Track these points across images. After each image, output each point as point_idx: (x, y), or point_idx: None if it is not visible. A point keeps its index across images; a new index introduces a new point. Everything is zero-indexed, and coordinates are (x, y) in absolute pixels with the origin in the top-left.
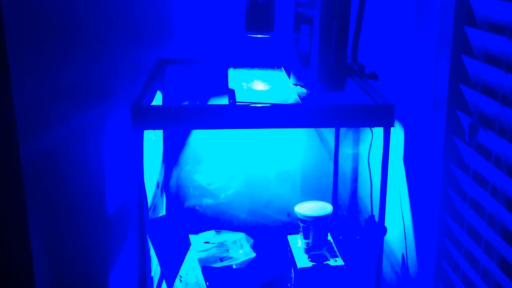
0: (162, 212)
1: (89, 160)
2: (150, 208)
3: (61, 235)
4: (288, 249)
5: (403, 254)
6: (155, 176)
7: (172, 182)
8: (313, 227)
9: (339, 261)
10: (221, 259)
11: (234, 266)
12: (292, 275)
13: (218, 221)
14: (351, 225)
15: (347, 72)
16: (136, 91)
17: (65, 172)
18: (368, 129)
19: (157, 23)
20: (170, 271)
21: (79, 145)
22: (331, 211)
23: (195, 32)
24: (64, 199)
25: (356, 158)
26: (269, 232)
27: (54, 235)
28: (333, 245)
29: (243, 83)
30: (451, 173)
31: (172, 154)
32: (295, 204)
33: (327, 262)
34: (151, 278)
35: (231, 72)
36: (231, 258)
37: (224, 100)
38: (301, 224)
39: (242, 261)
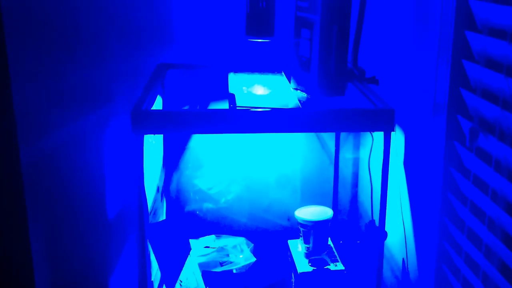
0: (162, 216)
1: (89, 164)
2: (150, 212)
3: (61, 239)
4: (289, 253)
5: (403, 259)
6: (155, 181)
7: (173, 186)
8: (313, 231)
9: (340, 266)
10: (221, 264)
11: (234, 271)
12: (293, 279)
13: (219, 225)
14: (352, 229)
15: (347, 77)
16: (136, 96)
17: (66, 176)
18: (368, 133)
19: (157, 27)
20: (170, 276)
21: (79, 149)
22: (332, 215)
23: (195, 36)
24: (64, 203)
25: (356, 162)
26: (270, 237)
27: (54, 239)
28: (334, 249)
29: (244, 88)
30: (451, 178)
31: (173, 159)
32: (295, 209)
33: (328, 266)
34: (151, 282)
35: (231, 76)
36: (231, 262)
37: (224, 105)
38: (301, 229)
39: (243, 266)
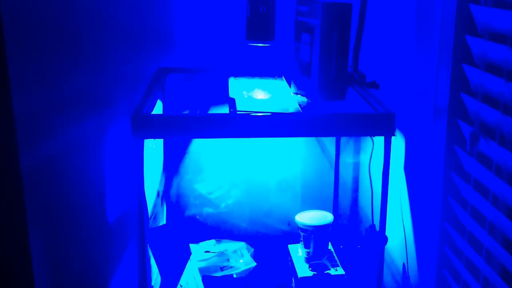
0: (163, 221)
1: (90, 169)
2: (151, 217)
3: (61, 244)
4: (289, 258)
5: (404, 263)
6: (156, 185)
7: (173, 191)
8: (313, 236)
9: (340, 271)
10: (222, 268)
11: (234, 275)
12: (293, 284)
13: (219, 230)
14: (352, 234)
15: (347, 81)
16: (137, 100)
17: (66, 181)
18: (369, 138)
19: (157, 32)
20: (171, 280)
21: (79, 153)
22: (332, 220)
23: (195, 41)
24: (65, 208)
25: (357, 167)
26: (270, 241)
27: (54, 244)
28: (334, 254)
29: (244, 92)
30: (452, 182)
31: (173, 163)
32: (295, 213)
33: (328, 271)
34: (152, 287)
35: (232, 81)
36: (231, 267)
37: (224, 109)
38: (301, 234)
39: (243, 270)
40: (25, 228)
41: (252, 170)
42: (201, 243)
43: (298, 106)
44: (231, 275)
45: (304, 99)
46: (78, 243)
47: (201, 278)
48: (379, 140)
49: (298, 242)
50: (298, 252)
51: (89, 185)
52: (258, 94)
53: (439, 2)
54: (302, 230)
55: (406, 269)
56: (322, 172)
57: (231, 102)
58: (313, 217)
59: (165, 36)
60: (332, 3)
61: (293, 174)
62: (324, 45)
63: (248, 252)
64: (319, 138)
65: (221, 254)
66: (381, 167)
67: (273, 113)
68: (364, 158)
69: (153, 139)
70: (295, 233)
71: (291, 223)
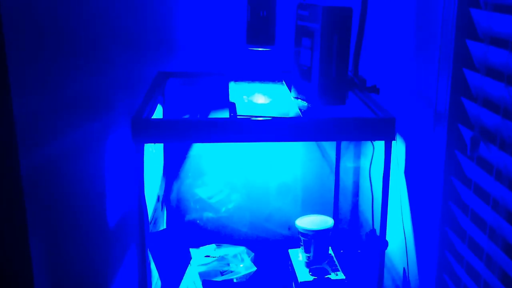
0: (163, 225)
1: (90, 173)
2: (151, 221)
3: (61, 248)
4: (289, 263)
5: (404, 268)
6: (156, 190)
7: (173, 195)
8: (314, 241)
9: (340, 275)
10: (222, 273)
11: (235, 280)
12: None
13: (219, 234)
14: (352, 239)
15: (348, 86)
16: (137, 104)
17: (66, 184)
18: (369, 142)
19: (157, 36)
20: (171, 285)
21: (79, 157)
22: (332, 224)
23: (196, 45)
24: (65, 211)
25: (357, 171)
26: (270, 246)
27: (54, 248)
28: (334, 259)
29: (244, 96)
30: (452, 187)
31: (173, 168)
32: (296, 218)
33: (328, 276)
34: None
35: (232, 85)
36: (231, 272)
37: (225, 114)
38: (302, 238)
39: (243, 275)
40: (25, 231)
41: (253, 174)
42: (201, 247)
43: (299, 111)
44: (232, 279)
45: (305, 104)
46: (78, 247)
47: (201, 283)
48: (380, 145)
49: (299, 247)
50: (298, 257)
51: (89, 189)
52: (258, 99)
53: (439, 6)
54: (303, 234)
55: (407, 274)
56: (323, 176)
57: (232, 107)
58: (313, 222)
59: (165, 40)
60: (333, 7)
61: (294, 178)
62: (324, 49)
63: (249, 256)
64: (319, 142)
65: (222, 258)
66: (381, 172)
67: (273, 117)
68: (364, 162)
69: (153, 144)
70: (296, 238)
71: (291, 227)
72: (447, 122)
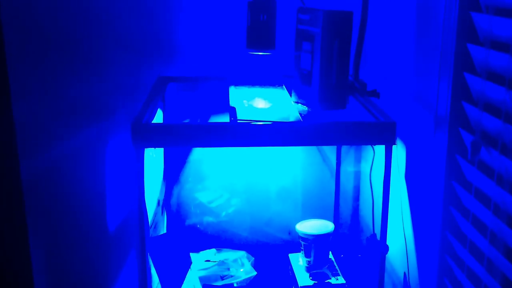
0: (163, 230)
1: (90, 178)
2: (151, 226)
3: (61, 253)
4: (289, 267)
5: (405, 273)
6: (156, 194)
7: (173, 200)
8: (314, 245)
9: (341, 280)
10: (222, 278)
11: (235, 285)
12: None
13: (219, 239)
14: (353, 243)
15: (348, 90)
16: (137, 109)
17: (66, 189)
18: (369, 146)
19: (157, 41)
20: None
21: (79, 162)
22: (333, 229)
23: (196, 49)
24: (65, 217)
25: (357, 176)
26: (270, 250)
27: (54, 253)
28: (335, 263)
29: (244, 101)
30: (453, 191)
31: (173, 172)
32: (296, 222)
33: (329, 280)
34: None
35: (232, 90)
36: (232, 276)
37: (225, 118)
38: (302, 243)
39: (243, 280)
40: (25, 235)
41: (253, 179)
42: (201, 252)
43: (299, 115)
44: (232, 284)
45: (305, 108)
46: (78, 251)
47: (201, 287)
48: (380, 149)
49: (299, 251)
50: (298, 261)
51: (89, 193)
52: (258, 103)
53: (440, 10)
54: (303, 239)
55: (407, 278)
56: (323, 181)
57: (232, 111)
58: (313, 226)
59: (166, 45)
60: (333, 11)
61: (294, 183)
62: (324, 53)
63: (249, 261)
64: (319, 147)
65: (222, 263)
66: (382, 176)
67: (273, 122)
68: (365, 167)
69: (153, 148)
70: (296, 242)
71: (291, 232)
72: (448, 126)
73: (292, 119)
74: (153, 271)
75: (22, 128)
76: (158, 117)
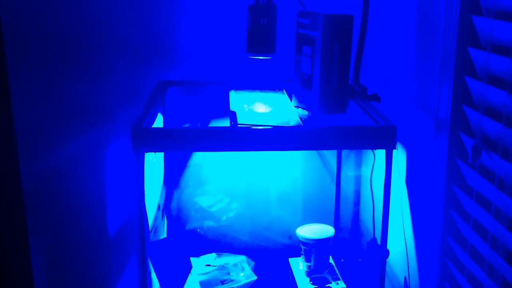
0: (163, 234)
1: (90, 182)
2: (151, 230)
3: (62, 257)
4: (290, 272)
5: (405, 277)
6: (156, 199)
7: (173, 204)
8: (314, 250)
9: (341, 284)
10: (222, 282)
11: None
12: None
13: (219, 243)
14: (353, 248)
15: (349, 94)
16: (137, 113)
17: (66, 194)
18: (370, 151)
19: (158, 45)
20: None
21: (80, 167)
22: (333, 233)
23: (196, 54)
24: (65, 221)
25: (358, 180)
26: (271, 255)
27: (55, 257)
28: (335, 268)
29: (245, 105)
30: (453, 195)
31: (173, 177)
32: (296, 227)
33: (329, 285)
34: None
35: (233, 94)
36: (232, 281)
37: (225, 122)
38: (302, 247)
39: (243, 284)
40: (26, 239)
41: (253, 183)
42: (201, 256)
43: (299, 119)
44: None
45: (305, 112)
46: (79, 256)
47: None
48: (381, 153)
49: (299, 256)
50: (299, 266)
51: (89, 198)
52: (259, 108)
53: (441, 14)
54: (303, 243)
55: (408, 283)
56: (323, 185)
57: (232, 115)
58: (314, 231)
59: (166, 50)
60: (333, 15)
61: (294, 187)
62: (325, 57)
63: (249, 265)
64: (320, 151)
65: (222, 267)
66: (382, 180)
67: (274, 126)
68: (365, 171)
69: (153, 153)
70: (296, 247)
71: (292, 236)
72: (449, 130)
73: (292, 123)
74: (154, 275)
75: (23, 132)
76: (158, 122)
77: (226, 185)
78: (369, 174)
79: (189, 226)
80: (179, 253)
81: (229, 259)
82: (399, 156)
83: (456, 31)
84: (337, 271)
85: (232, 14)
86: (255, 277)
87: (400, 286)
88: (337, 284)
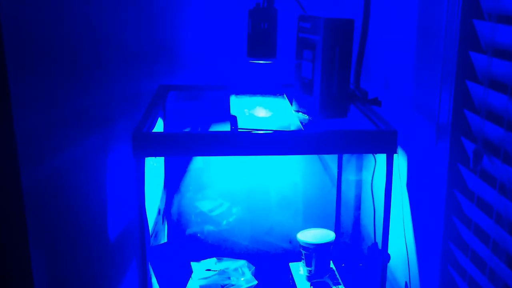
0: (164, 239)
1: (91, 187)
2: (152, 235)
3: (62, 262)
4: (290, 276)
5: (406, 282)
6: (157, 203)
7: (174, 209)
8: (315, 254)
9: None
10: (223, 287)
11: None
12: None
13: (220, 248)
14: (354, 252)
15: (349, 98)
16: (137, 118)
17: (67, 198)
18: (371, 155)
19: (158, 49)
20: None
21: (80, 172)
22: (334, 238)
23: (196, 58)
24: (66, 226)
25: (359, 185)
26: (271, 260)
27: (56, 262)
28: (336, 272)
29: (245, 110)
30: (455, 200)
31: (174, 181)
32: (297, 231)
33: None
34: None
35: (233, 98)
36: (232, 285)
37: (226, 127)
38: (303, 252)
39: None
40: (26, 245)
41: (254, 187)
42: (202, 261)
43: (300, 124)
44: None
45: (306, 117)
46: (79, 260)
47: None
48: (382, 158)
49: (300, 260)
50: (299, 270)
51: (90, 203)
52: (259, 112)
53: (442, 18)
54: (304, 248)
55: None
56: (324, 189)
57: (233, 120)
58: (314, 235)
59: (166, 54)
60: (334, 19)
61: (295, 191)
62: (325, 61)
63: (249, 270)
64: (321, 155)
65: (222, 272)
66: (383, 185)
67: (274, 131)
68: (366, 175)
69: (154, 157)
70: (297, 251)
71: (292, 241)
72: (450, 135)
73: (293, 128)
74: (154, 280)
75: (23, 136)
76: (159, 126)
77: (227, 190)
78: (370, 179)
79: (189, 230)
80: (179, 257)
81: (230, 264)
82: (400, 160)
83: (458, 35)
84: (338, 276)
85: (232, 18)
86: (255, 282)
87: None
88: None
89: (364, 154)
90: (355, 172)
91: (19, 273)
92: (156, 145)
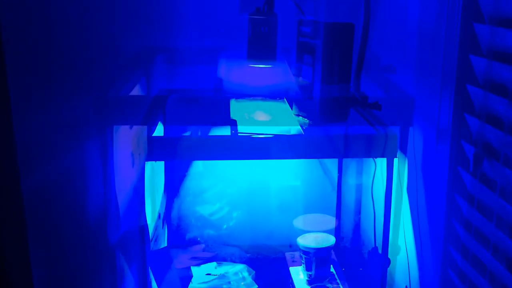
0: (164, 243)
1: (90, 192)
2: (152, 239)
3: (63, 267)
4: (290, 281)
5: (406, 286)
6: (157, 208)
7: (174, 213)
8: (315, 258)
9: None
10: None
11: None
12: None
13: (220, 252)
14: (354, 256)
15: (349, 102)
16: (138, 123)
17: (66, 205)
18: (371, 159)
19: (158, 52)
20: None
21: (80, 177)
22: (334, 242)
23: (196, 62)
24: (65, 230)
25: (359, 189)
26: (271, 264)
27: (56, 268)
28: (336, 277)
29: (245, 114)
30: (455, 204)
31: (174, 185)
32: (297, 236)
33: None
34: None
35: (233, 103)
36: None
37: (226, 131)
38: (303, 256)
39: None
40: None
41: (254, 191)
42: (202, 265)
43: (300, 128)
44: None
45: (306, 121)
46: (80, 266)
47: None
48: (382, 162)
49: (300, 265)
50: (299, 275)
51: (90, 209)
52: (259, 116)
53: (443, 21)
54: (304, 252)
55: None
56: (324, 193)
57: (233, 124)
58: (315, 239)
59: (166, 56)
60: (334, 23)
61: (295, 195)
62: (326, 65)
63: (249, 274)
64: (321, 159)
65: (222, 276)
66: (383, 189)
67: (274, 135)
68: (366, 180)
69: (154, 162)
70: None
71: (292, 245)
72: (450, 138)
73: (293, 132)
74: (154, 284)
75: (24, 144)
76: (159, 131)
77: (227, 194)
78: (370, 183)
79: (189, 235)
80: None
81: (230, 268)
82: (400, 164)
83: (458, 39)
84: (338, 280)
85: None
86: (255, 286)
87: None
88: None
89: (364, 158)
90: (355, 176)
91: (19, 277)
92: (156, 150)
